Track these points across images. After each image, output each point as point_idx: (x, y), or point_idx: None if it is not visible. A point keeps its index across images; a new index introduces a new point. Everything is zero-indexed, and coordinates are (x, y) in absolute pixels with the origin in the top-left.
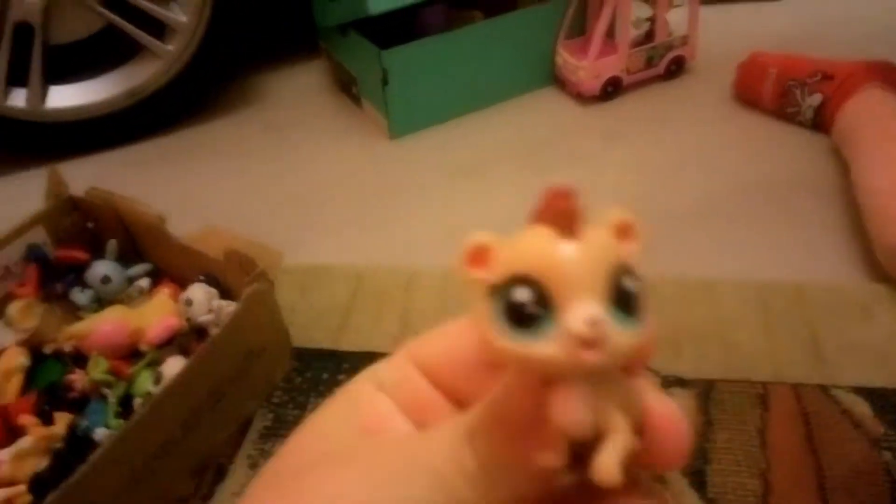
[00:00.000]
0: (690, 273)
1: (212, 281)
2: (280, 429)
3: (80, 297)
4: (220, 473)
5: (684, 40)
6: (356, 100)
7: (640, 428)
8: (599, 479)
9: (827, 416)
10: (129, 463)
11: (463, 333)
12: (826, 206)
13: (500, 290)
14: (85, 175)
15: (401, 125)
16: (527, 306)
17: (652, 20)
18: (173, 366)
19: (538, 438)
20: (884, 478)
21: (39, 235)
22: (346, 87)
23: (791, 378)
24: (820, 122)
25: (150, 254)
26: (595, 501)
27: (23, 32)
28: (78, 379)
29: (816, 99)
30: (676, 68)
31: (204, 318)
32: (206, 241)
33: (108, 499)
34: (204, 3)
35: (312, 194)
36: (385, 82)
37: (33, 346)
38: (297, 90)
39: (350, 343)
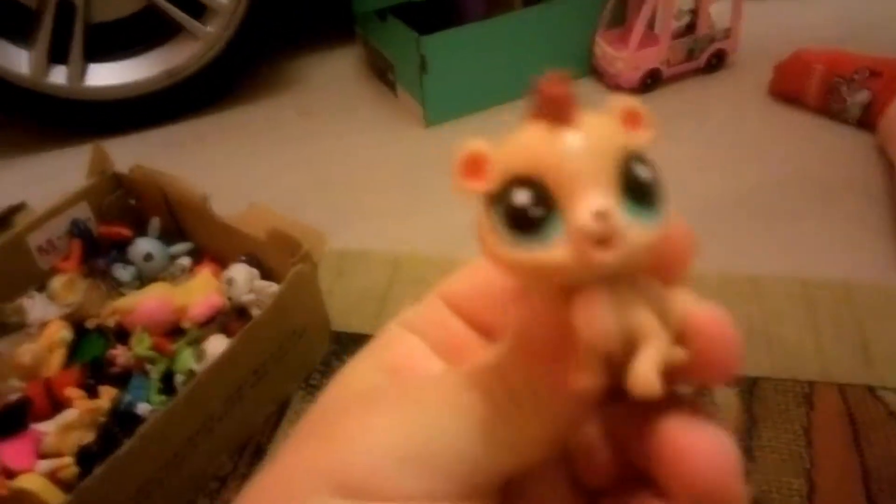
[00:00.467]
0: (734, 268)
1: (253, 261)
2: None
3: (122, 273)
4: (259, 453)
5: (727, 33)
6: (392, 86)
7: (681, 337)
8: (637, 391)
9: (873, 417)
10: (173, 438)
11: (492, 268)
12: (871, 204)
13: (499, 197)
14: (122, 154)
15: (437, 112)
16: (528, 209)
17: (694, 12)
18: (215, 344)
19: (569, 360)
20: None
21: (83, 211)
22: (382, 73)
23: (837, 377)
24: (866, 120)
25: (192, 232)
26: (638, 429)
27: (65, 10)
28: (120, 354)
29: (864, 96)
30: (717, 61)
31: (245, 297)
32: (248, 220)
33: (152, 474)
34: None
35: (347, 179)
36: (423, 69)
37: (76, 321)
38: (333, 75)
39: None
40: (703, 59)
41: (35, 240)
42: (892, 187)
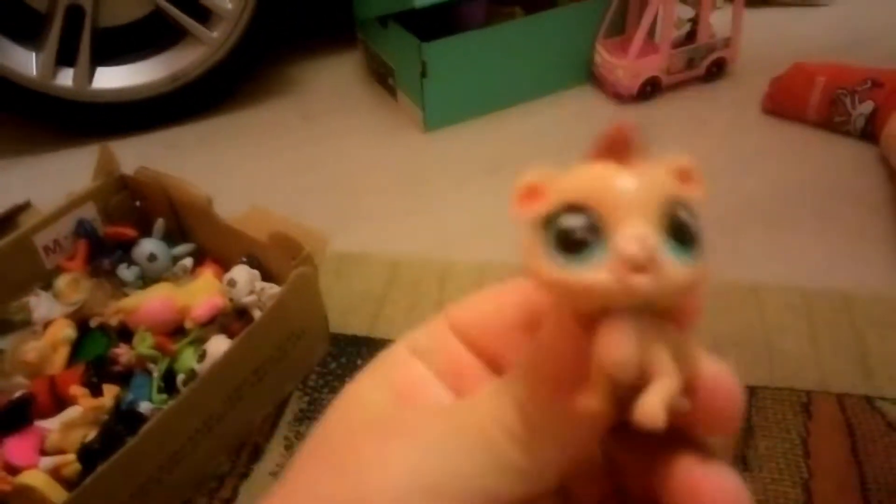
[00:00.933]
0: (734, 277)
1: (254, 263)
2: (315, 412)
3: (126, 273)
4: (257, 453)
5: (727, 42)
6: (392, 91)
7: (691, 386)
8: (641, 421)
9: (872, 428)
10: (174, 437)
11: (503, 298)
12: (871, 215)
13: (551, 220)
14: (126, 155)
15: (436, 118)
16: (576, 231)
17: (694, 21)
18: (216, 344)
19: (582, 388)
20: None
21: (90, 211)
22: (382, 78)
23: (836, 387)
24: (870, 131)
25: (195, 234)
26: (645, 459)
27: (73, 14)
28: (123, 353)
29: (868, 107)
30: (717, 70)
31: (247, 298)
32: (251, 222)
33: (152, 472)
34: None
35: (346, 183)
36: (423, 74)
37: (80, 320)
38: (334, 80)
39: (384, 331)
40: (702, 68)
41: (41, 239)
42: (894, 198)
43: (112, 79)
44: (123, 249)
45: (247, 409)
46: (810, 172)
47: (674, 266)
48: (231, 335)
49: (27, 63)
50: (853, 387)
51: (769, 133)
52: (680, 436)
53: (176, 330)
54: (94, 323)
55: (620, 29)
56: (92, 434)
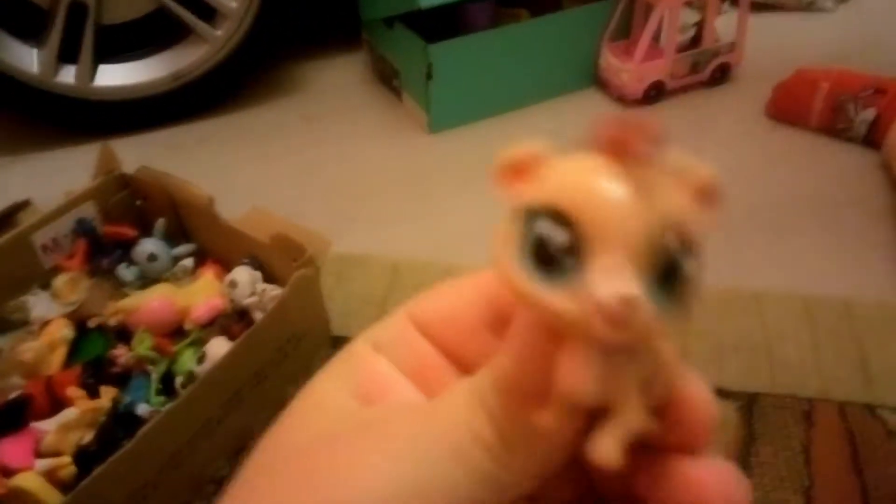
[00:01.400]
0: (736, 283)
1: (255, 264)
2: None
3: (125, 273)
4: None
5: (731, 47)
6: (397, 93)
7: (664, 403)
8: (594, 458)
9: (873, 436)
10: (173, 440)
11: (467, 292)
12: (874, 221)
13: (531, 217)
14: (127, 154)
15: (441, 120)
16: (554, 245)
17: (699, 25)
18: (216, 346)
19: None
20: None
21: (89, 210)
22: (387, 79)
23: (837, 395)
24: (872, 138)
25: (196, 234)
26: (630, 463)
27: (76, 11)
28: (121, 354)
29: (870, 114)
30: (721, 75)
31: (247, 300)
32: (253, 223)
33: (149, 475)
34: None
35: (350, 185)
36: (429, 76)
37: (78, 320)
38: (338, 81)
39: None
40: (707, 73)
41: (40, 238)
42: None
43: (114, 76)
44: (123, 249)
45: (247, 413)
46: (812, 179)
47: (651, 314)
48: (231, 337)
49: (29, 60)
50: (854, 395)
51: (772, 139)
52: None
53: (176, 331)
54: (92, 323)
55: (626, 32)
56: (88, 436)
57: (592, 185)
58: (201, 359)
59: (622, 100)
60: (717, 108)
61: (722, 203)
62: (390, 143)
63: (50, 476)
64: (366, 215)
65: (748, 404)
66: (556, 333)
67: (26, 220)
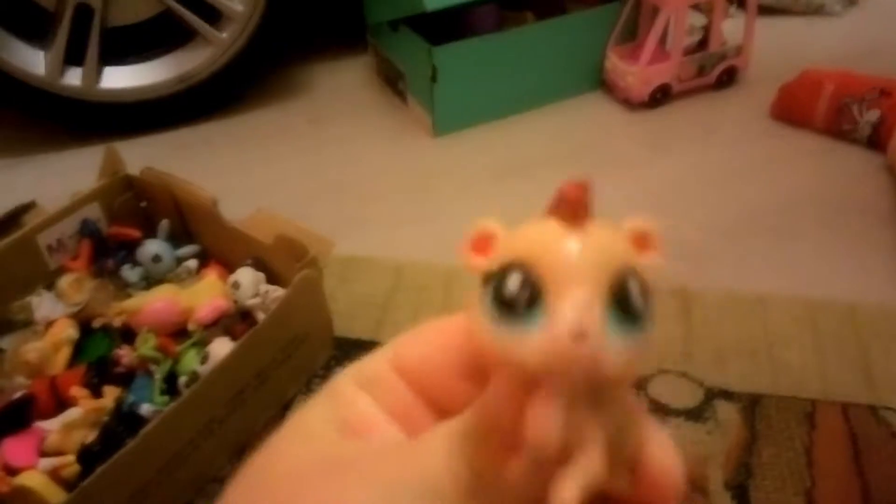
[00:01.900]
0: (739, 286)
1: (259, 265)
2: None
3: (130, 274)
4: None
5: (738, 50)
6: (402, 96)
7: (632, 463)
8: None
9: (875, 438)
10: (175, 440)
11: (447, 339)
12: (878, 224)
13: (494, 277)
14: (133, 156)
15: (446, 123)
16: (514, 292)
17: (706, 28)
18: (220, 346)
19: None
20: None
21: (94, 211)
22: (392, 82)
23: (840, 397)
24: (876, 140)
25: (200, 235)
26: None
27: (82, 13)
28: (125, 354)
29: (874, 115)
30: (728, 78)
31: (251, 301)
32: (256, 224)
33: (152, 474)
34: None
35: (354, 187)
36: (434, 79)
37: (82, 320)
38: (343, 84)
39: (388, 335)
40: (713, 76)
41: (45, 239)
42: None
43: (120, 79)
44: (128, 250)
45: (250, 413)
46: (817, 182)
47: (613, 341)
48: (235, 337)
49: (35, 62)
50: (857, 396)
51: (778, 142)
52: None
53: (179, 332)
54: (96, 324)
55: (632, 35)
56: (92, 435)
57: (546, 239)
58: (204, 359)
59: (628, 103)
60: (723, 112)
61: (661, 247)
62: (395, 145)
63: (53, 475)
64: (370, 217)
65: (750, 405)
66: (525, 382)
67: (32, 221)
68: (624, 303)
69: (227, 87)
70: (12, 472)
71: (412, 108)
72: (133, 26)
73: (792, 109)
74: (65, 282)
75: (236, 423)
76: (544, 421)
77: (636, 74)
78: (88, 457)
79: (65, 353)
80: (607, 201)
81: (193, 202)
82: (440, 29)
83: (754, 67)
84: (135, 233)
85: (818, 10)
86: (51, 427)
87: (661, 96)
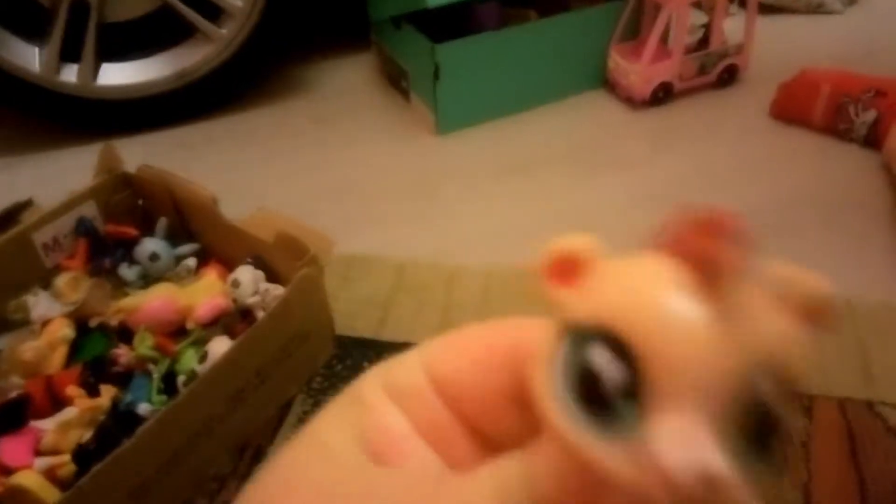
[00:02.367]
0: None
1: (259, 263)
2: None
3: (127, 272)
4: (259, 455)
5: (739, 49)
6: (405, 94)
7: None
8: None
9: (872, 432)
10: (173, 438)
11: (487, 356)
12: (875, 222)
13: (580, 339)
14: (131, 153)
15: (449, 121)
16: (607, 383)
17: (707, 27)
18: (219, 345)
19: None
20: None
21: (90, 210)
22: (395, 80)
23: (837, 392)
24: (873, 139)
25: (199, 234)
26: None
27: (79, 9)
28: (122, 353)
29: (871, 115)
30: (729, 77)
31: (251, 299)
32: (256, 223)
33: (149, 473)
34: None
35: (356, 186)
36: (436, 77)
37: (79, 319)
38: (345, 82)
39: (390, 334)
40: (714, 74)
41: (41, 237)
42: None
43: (117, 75)
44: (125, 248)
45: (249, 411)
46: (816, 180)
47: (734, 487)
48: (234, 336)
49: (31, 58)
50: (854, 391)
51: (778, 140)
52: None
53: (178, 331)
54: (93, 323)
55: (634, 34)
56: (88, 435)
57: (661, 307)
58: (203, 358)
59: (630, 101)
60: (724, 110)
61: (834, 323)
62: (398, 143)
63: (49, 474)
64: (372, 216)
65: None
66: (601, 482)
67: (29, 219)
68: (760, 419)
69: (226, 84)
70: (8, 471)
71: (415, 106)
72: (131, 22)
73: (790, 109)
74: (61, 281)
75: (236, 421)
76: None
77: (638, 73)
78: (84, 456)
79: (61, 353)
80: (608, 199)
81: (193, 200)
82: (443, 27)
83: (755, 66)
84: (132, 231)
85: (818, 9)
86: (46, 426)
87: (662, 95)
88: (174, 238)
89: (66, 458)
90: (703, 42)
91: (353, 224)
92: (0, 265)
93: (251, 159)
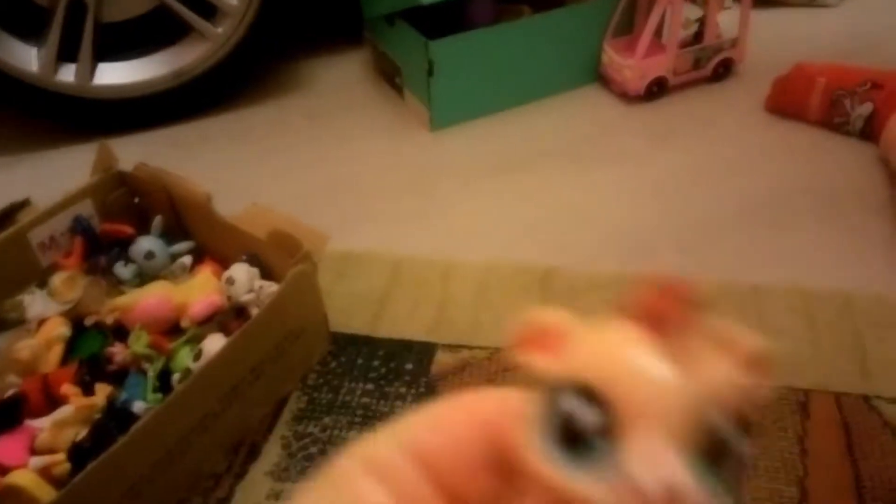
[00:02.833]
0: (734, 276)
1: (254, 260)
2: (313, 411)
3: (123, 271)
4: (254, 452)
5: (734, 43)
6: (399, 90)
7: None
8: None
9: (868, 427)
10: (168, 436)
11: (464, 429)
12: (872, 215)
13: (556, 393)
14: (128, 152)
15: (443, 117)
16: (583, 425)
17: (701, 21)
18: (213, 343)
19: None
20: None
21: (86, 208)
22: (390, 77)
23: (834, 387)
24: (869, 132)
25: (194, 231)
26: None
27: (76, 9)
28: (118, 352)
29: (867, 108)
30: (724, 71)
31: (245, 297)
32: (250, 219)
33: (144, 471)
34: None
35: (351, 182)
36: (430, 73)
37: (75, 318)
38: (340, 79)
39: (386, 330)
40: (709, 69)
41: (37, 236)
42: (894, 199)
43: (114, 75)
44: (121, 247)
45: (244, 408)
46: (812, 174)
47: (700, 498)
48: (229, 334)
49: (28, 58)
50: (851, 386)
51: (773, 134)
52: None
53: (173, 329)
54: (89, 321)
55: (628, 29)
56: (83, 433)
57: (625, 358)
58: (198, 356)
59: (624, 96)
60: (719, 104)
61: (770, 373)
62: (392, 140)
63: (44, 473)
64: (367, 212)
65: None
66: None
67: (26, 219)
68: (716, 446)
69: (222, 82)
70: (3, 470)
71: (409, 103)
72: (127, 22)
73: (786, 103)
74: (57, 279)
75: (231, 419)
76: None
77: (632, 68)
78: (79, 454)
79: (57, 351)
80: (604, 194)
81: (187, 198)
82: (437, 23)
83: (750, 60)
84: (127, 229)
85: (813, 2)
86: (42, 425)
87: (657, 89)
88: (170, 236)
89: (62, 456)
90: (698, 36)
91: (349, 220)
92: None
93: (246, 157)
